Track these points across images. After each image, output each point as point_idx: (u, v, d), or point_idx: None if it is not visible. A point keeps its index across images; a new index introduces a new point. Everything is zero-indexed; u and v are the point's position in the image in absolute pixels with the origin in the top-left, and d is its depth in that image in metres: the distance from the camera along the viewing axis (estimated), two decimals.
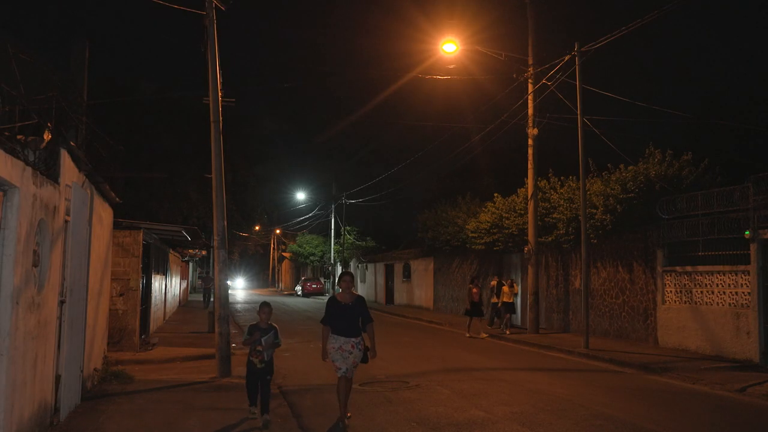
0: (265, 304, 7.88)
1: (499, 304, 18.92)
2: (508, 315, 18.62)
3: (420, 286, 32.28)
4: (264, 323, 7.71)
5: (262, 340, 7.56)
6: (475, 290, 18.12)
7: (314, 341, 16.59)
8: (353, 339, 7.47)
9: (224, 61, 12.79)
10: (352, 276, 7.87)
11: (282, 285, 72.55)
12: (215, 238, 11.68)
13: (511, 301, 18.67)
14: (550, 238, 18.60)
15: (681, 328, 14.34)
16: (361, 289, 44.72)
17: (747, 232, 12.41)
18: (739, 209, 12.80)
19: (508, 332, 18.19)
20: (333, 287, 50.26)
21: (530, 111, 18.74)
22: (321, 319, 7.69)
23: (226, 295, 11.75)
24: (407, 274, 34.46)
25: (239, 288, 71.58)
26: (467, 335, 17.93)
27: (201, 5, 11.84)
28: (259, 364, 7.60)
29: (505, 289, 18.59)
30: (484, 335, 17.79)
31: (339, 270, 48.77)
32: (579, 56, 15.51)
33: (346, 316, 7.53)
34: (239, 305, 36.06)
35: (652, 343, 15.07)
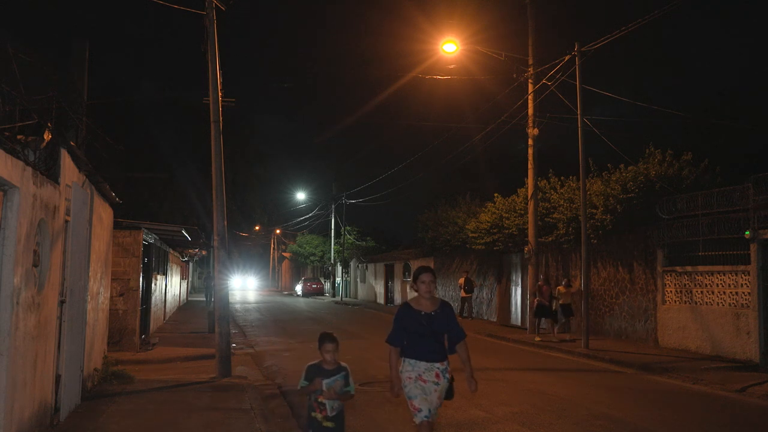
0: (328, 338, 5.31)
1: (554, 306, 17.34)
2: (564, 319, 17.40)
3: None
4: (331, 363, 5.27)
5: (324, 385, 5.15)
6: (545, 288, 17.14)
7: (315, 342, 16.55)
8: (438, 365, 5.31)
9: (224, 60, 12.79)
10: (433, 273, 5.50)
11: (282, 285, 72.54)
12: (215, 238, 11.69)
13: (568, 302, 17.06)
14: (550, 238, 18.59)
15: (681, 328, 14.35)
16: (361, 290, 44.59)
17: (747, 232, 12.42)
18: (739, 209, 12.81)
19: (568, 337, 16.85)
20: (333, 287, 50.00)
21: (530, 111, 18.72)
22: (387, 338, 5.46)
23: (227, 295, 11.76)
24: (407, 275, 34.47)
25: (251, 288, 70.72)
26: (556, 339, 16.56)
27: (201, 5, 11.85)
28: (324, 422, 5.15)
29: (562, 289, 17.12)
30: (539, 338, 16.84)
31: (339, 270, 48.38)
32: (579, 56, 15.53)
33: (429, 332, 5.32)
34: (248, 305, 36.00)
35: (652, 343, 15.07)
